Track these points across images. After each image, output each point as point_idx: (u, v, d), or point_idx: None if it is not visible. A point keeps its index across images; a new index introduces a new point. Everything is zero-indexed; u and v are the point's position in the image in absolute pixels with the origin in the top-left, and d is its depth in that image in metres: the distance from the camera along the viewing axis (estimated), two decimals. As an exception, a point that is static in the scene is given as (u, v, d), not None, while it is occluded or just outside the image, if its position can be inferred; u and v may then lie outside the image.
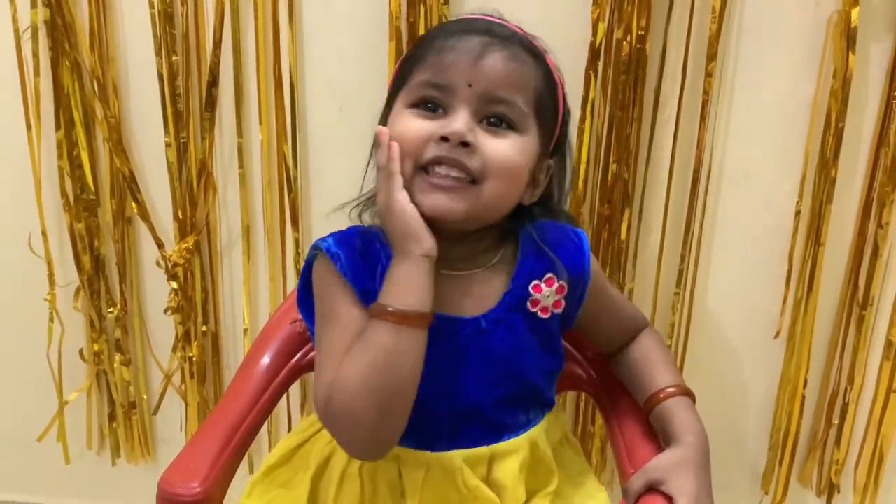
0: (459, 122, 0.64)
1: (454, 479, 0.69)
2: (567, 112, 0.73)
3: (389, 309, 0.62)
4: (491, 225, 0.70)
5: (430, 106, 0.66)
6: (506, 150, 0.65)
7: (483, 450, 0.70)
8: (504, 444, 0.71)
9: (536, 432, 0.73)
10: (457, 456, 0.69)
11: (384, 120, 0.71)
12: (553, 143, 0.72)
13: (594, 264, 0.75)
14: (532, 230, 0.72)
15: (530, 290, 0.71)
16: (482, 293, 0.70)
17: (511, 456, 0.71)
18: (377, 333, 0.63)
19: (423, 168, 0.65)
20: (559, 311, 0.72)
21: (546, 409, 0.76)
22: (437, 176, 0.64)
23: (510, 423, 0.72)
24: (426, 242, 0.64)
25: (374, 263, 0.68)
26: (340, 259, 0.68)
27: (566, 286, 0.72)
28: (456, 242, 0.69)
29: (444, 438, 0.70)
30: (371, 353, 0.62)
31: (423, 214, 0.64)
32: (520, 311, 0.71)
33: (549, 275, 0.71)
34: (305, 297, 0.73)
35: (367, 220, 0.75)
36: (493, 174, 0.65)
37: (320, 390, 0.64)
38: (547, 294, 0.71)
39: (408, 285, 0.63)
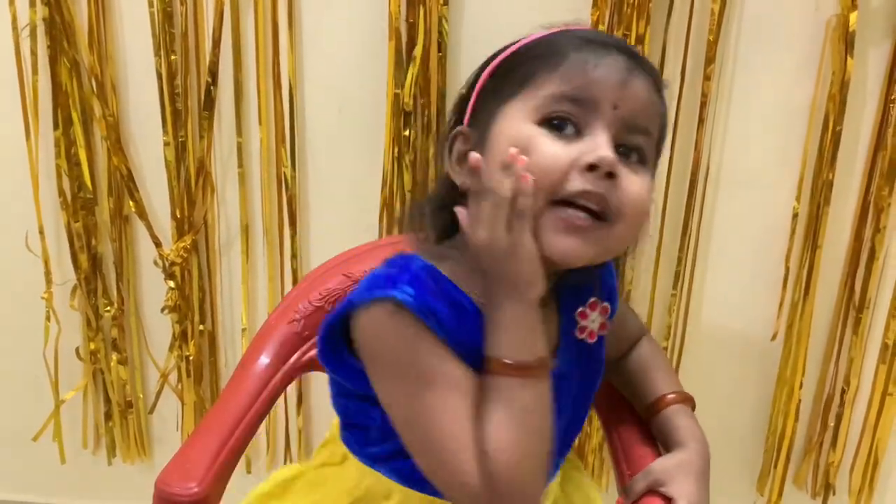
0: (606, 147, 0.55)
1: None
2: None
3: (512, 363, 0.56)
4: None
5: (559, 124, 0.56)
6: (642, 188, 0.57)
7: None
8: None
9: (553, 484, 0.70)
10: None
11: (480, 125, 0.60)
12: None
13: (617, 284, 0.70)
14: None
15: (576, 317, 0.65)
16: (547, 333, 0.61)
17: None
18: (509, 391, 0.56)
19: (557, 201, 0.56)
20: (605, 333, 0.67)
21: (567, 450, 0.72)
22: (573, 212, 0.55)
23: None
24: (541, 285, 0.56)
25: (462, 312, 0.59)
26: (435, 315, 0.56)
27: (608, 306, 0.66)
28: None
29: None
30: (514, 413, 0.55)
31: (549, 256, 0.56)
32: (573, 344, 0.65)
33: (592, 298, 0.65)
34: (334, 349, 0.62)
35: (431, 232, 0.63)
36: (627, 215, 0.57)
37: (462, 468, 0.55)
38: (593, 318, 0.65)
39: (526, 333, 0.56)
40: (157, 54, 1.01)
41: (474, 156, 0.55)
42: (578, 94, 0.56)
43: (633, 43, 0.94)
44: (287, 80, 1.02)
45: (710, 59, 0.95)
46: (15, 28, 1.02)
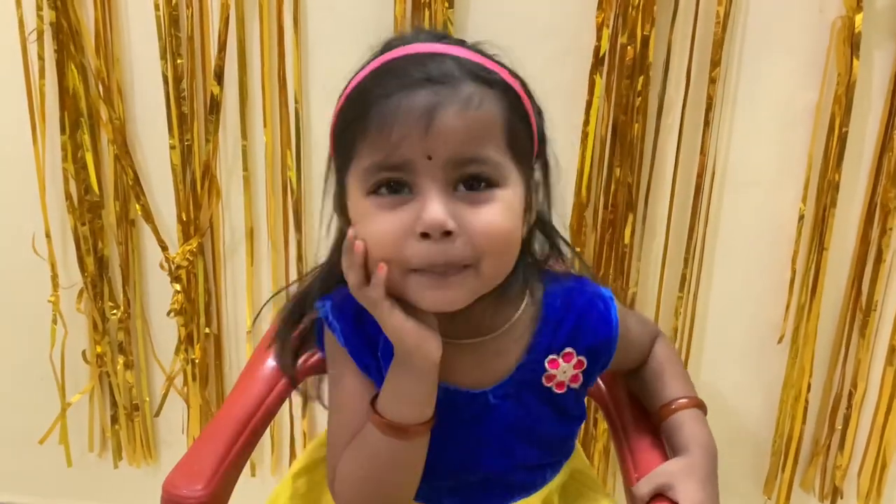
0: (433, 209, 0.53)
1: None
2: (539, 114, 0.63)
3: (388, 420, 0.58)
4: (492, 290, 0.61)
5: (393, 186, 0.55)
6: (493, 218, 0.55)
7: None
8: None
9: (550, 488, 0.71)
10: None
11: (339, 203, 0.61)
12: (533, 160, 0.63)
13: (621, 326, 0.66)
14: (556, 295, 0.65)
15: (546, 365, 0.64)
16: (492, 364, 0.64)
17: None
18: (374, 440, 0.60)
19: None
20: (576, 385, 0.66)
21: (565, 458, 0.73)
22: (428, 273, 0.55)
23: (527, 483, 0.69)
24: (432, 353, 0.58)
25: (375, 334, 0.62)
26: (337, 330, 0.63)
27: (585, 361, 0.65)
28: (455, 315, 0.59)
29: (454, 497, 0.68)
30: (367, 460, 0.60)
31: (425, 309, 0.57)
32: (533, 386, 0.65)
33: (568, 349, 0.64)
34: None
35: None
36: (487, 252, 0.56)
37: (328, 465, 0.64)
38: (564, 370, 0.64)
39: (410, 400, 0.58)
40: (163, 58, 1.02)
41: (358, 245, 0.56)
42: (390, 162, 0.54)
43: (638, 47, 0.94)
44: (292, 84, 1.02)
45: (715, 62, 0.95)
46: (22, 32, 1.03)
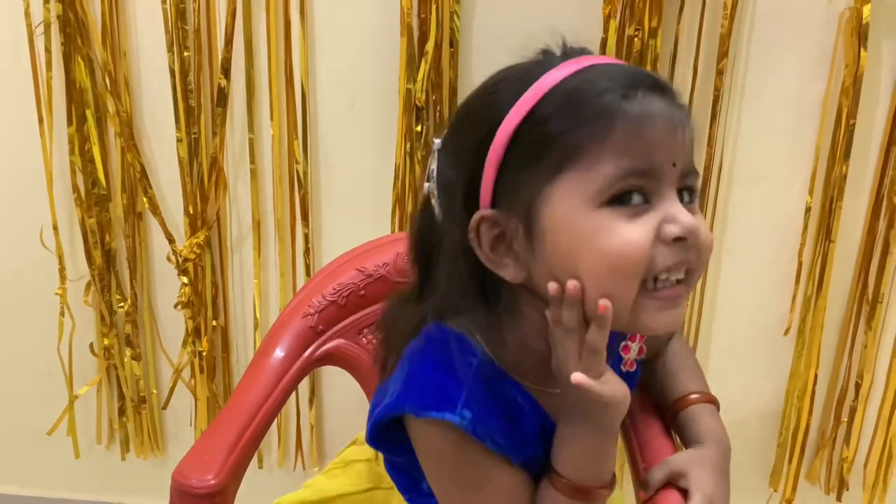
0: (685, 213, 0.50)
1: None
2: None
3: (572, 483, 0.55)
4: None
5: (627, 198, 0.50)
6: (707, 231, 0.53)
7: None
8: None
9: None
10: None
11: (513, 208, 0.52)
12: None
13: None
14: None
15: (620, 352, 0.63)
16: None
17: None
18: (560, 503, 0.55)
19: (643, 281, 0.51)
20: (642, 357, 0.66)
21: None
22: (664, 288, 0.51)
23: None
24: (626, 405, 0.54)
25: (518, 413, 0.57)
26: (491, 437, 0.54)
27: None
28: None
29: None
30: None
31: (648, 334, 0.55)
32: (617, 371, 0.61)
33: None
34: (386, 439, 0.59)
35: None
36: (704, 261, 0.53)
37: None
38: (634, 349, 0.64)
39: (595, 458, 0.55)
40: (170, 51, 1.02)
41: (573, 284, 0.50)
42: (644, 167, 0.50)
43: (645, 38, 0.94)
44: (299, 76, 1.02)
45: (722, 54, 0.95)
46: (29, 25, 1.03)
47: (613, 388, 0.53)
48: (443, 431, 0.54)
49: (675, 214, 0.50)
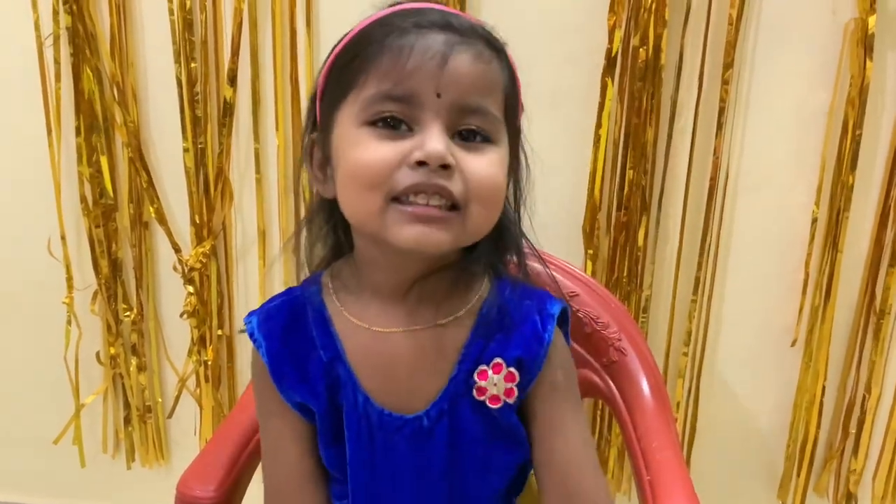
0: (435, 140, 0.53)
1: None
2: (521, 107, 0.62)
3: None
4: (453, 261, 0.60)
5: (391, 122, 0.54)
6: (488, 169, 0.55)
7: None
8: None
9: None
10: None
11: (322, 143, 0.59)
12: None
13: (556, 356, 0.61)
14: (495, 302, 0.61)
15: (475, 376, 0.60)
16: (429, 371, 0.60)
17: None
18: None
19: (395, 198, 0.54)
20: (512, 399, 0.61)
21: (515, 494, 0.67)
22: (415, 205, 0.53)
23: None
24: None
25: (304, 353, 0.61)
26: (262, 347, 0.62)
27: (516, 374, 0.60)
28: (414, 285, 0.59)
29: None
30: None
31: (401, 247, 0.54)
32: (467, 400, 0.61)
33: (497, 359, 0.60)
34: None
35: (320, 251, 0.66)
36: (478, 198, 0.55)
37: None
38: (494, 381, 0.60)
39: None
40: (177, 62, 1.03)
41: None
42: (397, 92, 0.54)
43: (650, 49, 0.94)
44: (304, 87, 1.03)
45: (727, 64, 0.94)
46: (39, 37, 1.04)
47: None
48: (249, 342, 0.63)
49: (423, 141, 0.53)
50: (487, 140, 0.56)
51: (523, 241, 0.65)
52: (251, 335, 0.62)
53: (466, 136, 0.56)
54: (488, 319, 0.61)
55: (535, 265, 0.70)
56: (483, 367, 0.60)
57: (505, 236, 0.62)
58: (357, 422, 0.61)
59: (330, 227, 0.64)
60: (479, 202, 0.55)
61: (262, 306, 0.64)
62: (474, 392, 0.60)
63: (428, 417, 0.60)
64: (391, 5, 0.59)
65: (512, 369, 0.60)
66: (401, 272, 0.59)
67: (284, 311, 0.63)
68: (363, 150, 0.54)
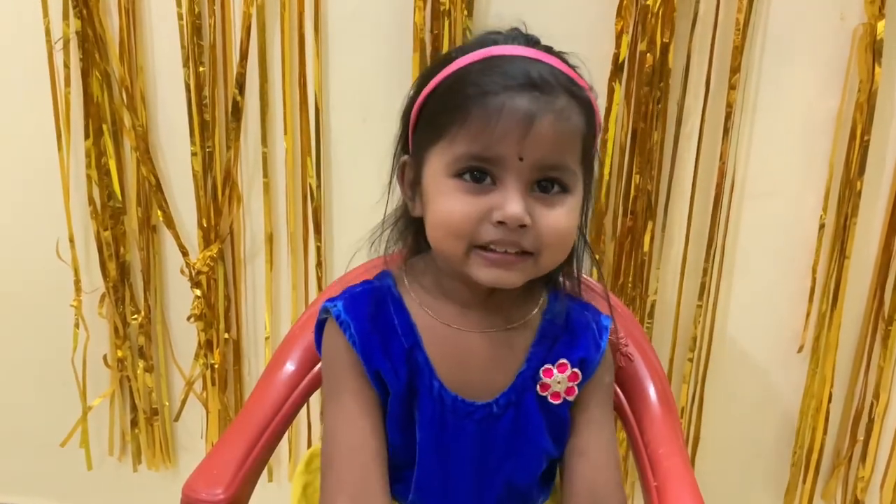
0: (514, 204, 0.59)
1: None
2: (600, 128, 0.69)
3: None
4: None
5: (477, 176, 0.61)
6: (560, 220, 0.62)
7: None
8: None
9: None
10: None
11: (413, 167, 0.66)
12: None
13: (605, 362, 0.71)
14: (557, 310, 0.69)
15: (541, 373, 0.67)
16: (500, 365, 0.67)
17: None
18: None
19: (477, 245, 0.61)
20: (571, 397, 0.69)
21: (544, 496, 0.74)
22: (493, 252, 0.61)
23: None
24: None
25: (390, 336, 0.66)
26: (351, 328, 0.65)
27: (580, 374, 0.68)
28: (488, 299, 0.67)
29: None
30: None
31: (480, 283, 0.62)
32: (532, 393, 0.68)
33: (563, 360, 0.68)
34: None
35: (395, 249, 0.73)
36: (550, 246, 0.62)
37: (323, 490, 0.64)
38: (558, 380, 0.67)
39: None
40: (185, 66, 1.03)
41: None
42: (484, 154, 0.59)
43: (657, 54, 0.94)
44: (312, 91, 1.03)
45: (734, 69, 0.94)
46: (48, 41, 1.05)
47: None
48: (325, 321, 0.68)
49: (503, 202, 0.59)
50: (565, 189, 0.62)
51: (587, 249, 0.73)
52: (337, 317, 0.66)
53: (545, 188, 0.62)
54: (553, 325, 0.69)
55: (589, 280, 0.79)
56: (548, 365, 0.67)
57: (569, 259, 0.70)
58: (431, 405, 0.65)
59: (411, 232, 0.71)
60: (551, 249, 0.62)
61: (344, 293, 0.69)
62: (538, 388, 0.67)
63: (497, 405, 0.67)
64: (479, 39, 0.66)
65: (576, 370, 0.68)
66: (476, 289, 0.66)
67: (369, 298, 0.68)
68: (453, 203, 0.61)
